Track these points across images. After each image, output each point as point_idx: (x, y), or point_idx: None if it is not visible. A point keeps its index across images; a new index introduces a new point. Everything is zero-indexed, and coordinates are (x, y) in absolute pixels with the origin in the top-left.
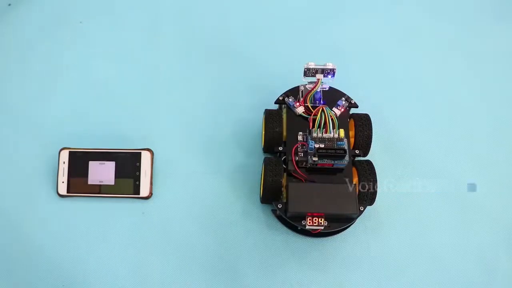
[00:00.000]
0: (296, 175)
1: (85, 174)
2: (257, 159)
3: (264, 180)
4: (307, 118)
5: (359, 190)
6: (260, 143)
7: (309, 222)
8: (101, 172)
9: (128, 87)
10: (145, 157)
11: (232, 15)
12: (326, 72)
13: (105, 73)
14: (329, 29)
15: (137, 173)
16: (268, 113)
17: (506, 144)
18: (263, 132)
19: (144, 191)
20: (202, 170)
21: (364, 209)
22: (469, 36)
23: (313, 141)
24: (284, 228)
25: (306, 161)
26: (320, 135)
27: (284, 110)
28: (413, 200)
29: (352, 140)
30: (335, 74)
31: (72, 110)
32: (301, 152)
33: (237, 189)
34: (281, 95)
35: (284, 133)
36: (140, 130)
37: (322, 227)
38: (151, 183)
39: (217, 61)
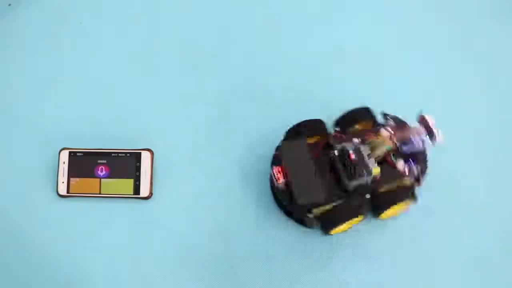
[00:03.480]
0: (316, 147)
1: (85, 174)
2: (258, 158)
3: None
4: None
5: (326, 212)
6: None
7: (274, 171)
8: (101, 172)
9: (128, 87)
10: (145, 157)
11: (232, 15)
12: (432, 135)
13: (105, 73)
14: (329, 29)
15: (137, 173)
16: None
17: (506, 144)
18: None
19: (144, 191)
20: (202, 170)
21: (313, 223)
22: (469, 36)
23: (353, 147)
24: (285, 227)
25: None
26: (364, 152)
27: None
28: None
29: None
30: (436, 144)
31: (72, 110)
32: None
33: (237, 189)
34: (390, 114)
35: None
36: (140, 130)
37: (277, 183)
38: (151, 183)
39: (218, 61)
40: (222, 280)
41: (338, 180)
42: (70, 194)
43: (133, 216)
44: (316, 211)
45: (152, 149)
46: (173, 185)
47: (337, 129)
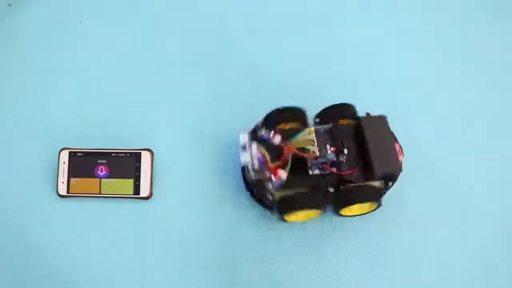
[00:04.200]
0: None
1: (85, 174)
2: None
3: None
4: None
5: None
6: None
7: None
8: (101, 172)
9: (128, 87)
10: (145, 157)
11: (232, 14)
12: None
13: (105, 73)
14: (328, 29)
15: (137, 173)
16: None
17: (507, 144)
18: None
19: (144, 191)
20: (202, 170)
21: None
22: (469, 36)
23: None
24: (288, 227)
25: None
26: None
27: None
28: (412, 199)
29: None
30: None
31: (72, 110)
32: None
33: (237, 189)
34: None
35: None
36: (140, 130)
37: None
38: (151, 183)
39: (218, 61)
40: (223, 280)
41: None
42: (70, 194)
43: (133, 216)
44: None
45: (152, 149)
46: (173, 185)
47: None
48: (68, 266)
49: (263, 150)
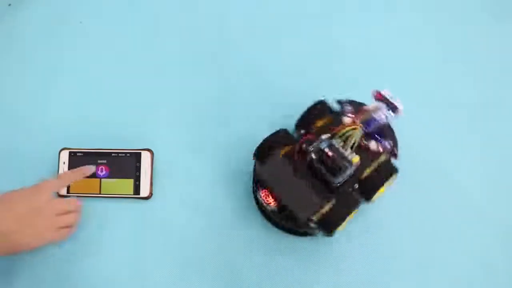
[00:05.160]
0: (292, 156)
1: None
2: None
3: (268, 136)
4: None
5: (326, 214)
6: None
7: (263, 195)
8: (101, 172)
9: (128, 87)
10: (145, 157)
11: (232, 14)
12: (392, 107)
13: (105, 73)
14: (328, 29)
15: (137, 173)
16: (319, 103)
17: (506, 144)
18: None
19: (144, 191)
20: (202, 170)
21: (316, 231)
22: (469, 36)
23: (326, 144)
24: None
25: (309, 155)
26: (337, 145)
27: (336, 113)
28: (412, 199)
29: (365, 178)
30: (399, 114)
31: (72, 110)
32: (312, 145)
33: (238, 189)
34: (345, 100)
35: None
36: (140, 130)
37: (269, 207)
38: (151, 183)
39: (218, 61)
40: (222, 280)
41: (323, 181)
42: (70, 194)
43: (133, 216)
44: (315, 217)
45: (152, 149)
46: (173, 185)
47: (302, 131)
48: (68, 266)
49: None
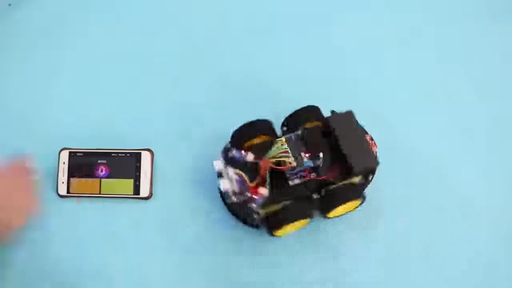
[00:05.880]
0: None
1: (85, 175)
2: None
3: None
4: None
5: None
6: None
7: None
8: (101, 172)
9: (128, 87)
10: (145, 157)
11: (232, 15)
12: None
13: (105, 73)
14: (328, 29)
15: (137, 173)
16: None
17: (506, 143)
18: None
19: (144, 191)
20: (202, 170)
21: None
22: (469, 36)
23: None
24: None
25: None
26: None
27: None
28: (411, 200)
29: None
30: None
31: (72, 110)
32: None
33: None
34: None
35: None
36: (140, 130)
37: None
38: (151, 183)
39: (218, 61)
40: (222, 280)
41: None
42: (70, 194)
43: (133, 216)
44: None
45: (152, 149)
46: (173, 185)
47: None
48: (68, 266)
49: (239, 171)
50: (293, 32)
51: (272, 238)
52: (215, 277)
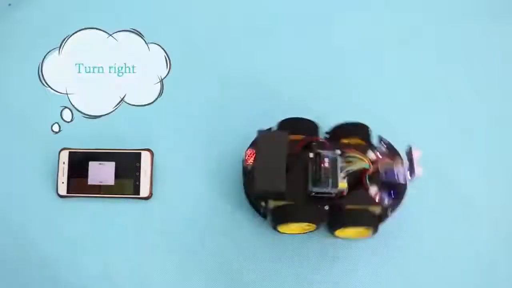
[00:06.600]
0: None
1: (85, 175)
2: None
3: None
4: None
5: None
6: None
7: (247, 153)
8: (101, 173)
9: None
10: (145, 157)
11: (232, 15)
12: (411, 168)
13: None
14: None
15: (137, 173)
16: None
17: (506, 143)
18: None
19: (144, 191)
20: (202, 170)
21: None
22: (469, 36)
23: (333, 154)
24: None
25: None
26: (340, 164)
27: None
28: (412, 200)
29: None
30: (411, 181)
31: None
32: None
33: (237, 189)
34: (383, 139)
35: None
36: (140, 130)
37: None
38: (151, 183)
39: (218, 60)
40: (222, 280)
41: (306, 182)
42: (70, 195)
43: (133, 216)
44: (273, 203)
45: (152, 149)
46: (173, 185)
47: (327, 136)
48: (68, 266)
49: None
50: (293, 32)
51: (273, 238)
52: (215, 277)
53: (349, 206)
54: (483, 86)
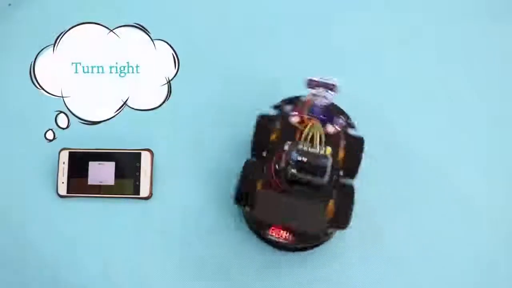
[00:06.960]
0: (272, 183)
1: (85, 175)
2: None
3: (239, 179)
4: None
5: (334, 211)
6: None
7: (273, 233)
8: (101, 173)
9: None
10: (145, 157)
11: (232, 15)
12: (328, 87)
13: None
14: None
15: (137, 173)
16: (260, 119)
17: (506, 143)
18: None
19: (144, 191)
20: (202, 170)
21: (332, 232)
22: (469, 36)
23: (296, 153)
24: None
25: (286, 172)
26: (305, 148)
27: (280, 118)
28: (412, 200)
29: (342, 161)
30: (336, 90)
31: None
32: (283, 161)
33: None
34: (280, 101)
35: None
36: (140, 130)
37: (286, 241)
38: (151, 183)
39: (218, 60)
40: (222, 281)
41: (312, 186)
42: (70, 195)
43: (133, 216)
44: (328, 221)
45: (152, 149)
46: (173, 185)
47: (264, 154)
48: (68, 266)
49: None
50: (293, 32)
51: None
52: (215, 277)
53: (340, 156)
54: (483, 86)
